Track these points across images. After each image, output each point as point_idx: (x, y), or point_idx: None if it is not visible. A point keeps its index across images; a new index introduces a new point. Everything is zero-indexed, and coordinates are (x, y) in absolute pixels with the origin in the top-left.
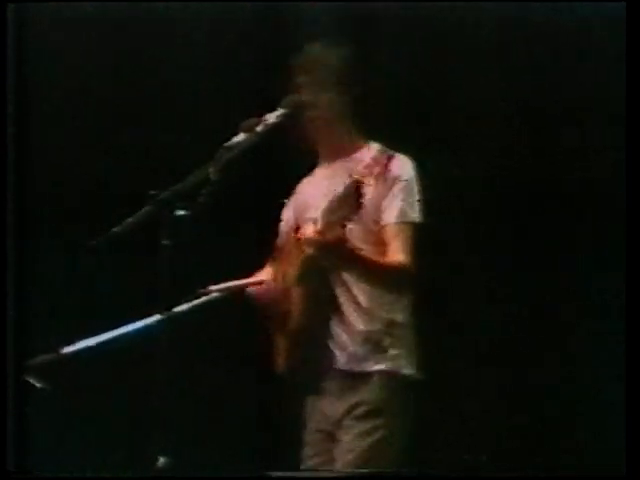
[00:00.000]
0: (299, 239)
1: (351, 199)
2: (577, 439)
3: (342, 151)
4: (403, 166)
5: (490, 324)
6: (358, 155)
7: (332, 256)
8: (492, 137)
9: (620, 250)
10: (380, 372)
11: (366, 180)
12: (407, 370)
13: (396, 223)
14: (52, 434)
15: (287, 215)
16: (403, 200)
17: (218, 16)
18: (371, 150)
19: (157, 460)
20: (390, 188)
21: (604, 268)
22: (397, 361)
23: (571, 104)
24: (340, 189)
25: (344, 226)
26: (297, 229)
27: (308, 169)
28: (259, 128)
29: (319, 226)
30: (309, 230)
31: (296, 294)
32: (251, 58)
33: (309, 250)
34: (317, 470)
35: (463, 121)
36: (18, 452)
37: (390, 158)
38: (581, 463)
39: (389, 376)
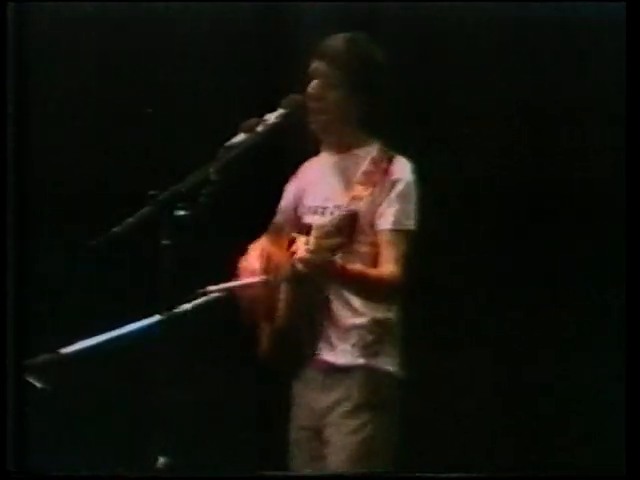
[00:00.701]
0: (293, 253)
1: (345, 230)
2: (576, 439)
3: (344, 145)
4: (402, 170)
5: (486, 323)
6: (359, 152)
7: (320, 276)
8: (492, 137)
9: (620, 250)
10: (362, 367)
11: (363, 193)
12: (390, 367)
13: (390, 230)
14: (52, 434)
15: (288, 195)
16: (399, 206)
17: (218, 16)
18: (372, 149)
19: (157, 460)
20: (388, 192)
21: (604, 269)
22: (380, 358)
23: (571, 104)
24: (337, 216)
25: (334, 254)
26: (291, 241)
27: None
28: (259, 128)
29: (311, 246)
30: (302, 248)
31: (284, 287)
32: (251, 58)
33: (299, 266)
34: (316, 470)
35: (463, 121)
36: (18, 452)
37: (390, 161)
38: (581, 463)
39: (371, 372)
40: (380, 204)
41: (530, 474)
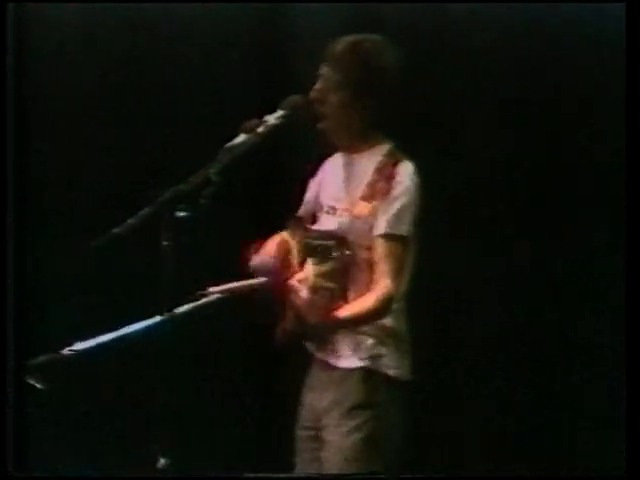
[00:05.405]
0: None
1: (339, 275)
2: (577, 439)
3: (353, 146)
4: (403, 173)
5: (486, 326)
6: (370, 153)
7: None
8: (491, 137)
9: (620, 252)
10: (362, 369)
11: (364, 212)
12: (391, 371)
13: (383, 236)
14: (52, 434)
15: (311, 189)
16: (395, 211)
17: (219, 16)
18: (382, 151)
19: (157, 460)
20: (387, 196)
21: (604, 269)
22: (381, 361)
23: (571, 104)
24: (336, 257)
25: (327, 295)
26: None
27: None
28: (260, 129)
29: (310, 284)
30: (297, 279)
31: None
32: (251, 59)
33: (297, 301)
34: (316, 471)
35: (463, 122)
36: (18, 452)
37: (394, 166)
38: (581, 463)
39: (371, 374)
40: (379, 208)
41: (530, 474)
